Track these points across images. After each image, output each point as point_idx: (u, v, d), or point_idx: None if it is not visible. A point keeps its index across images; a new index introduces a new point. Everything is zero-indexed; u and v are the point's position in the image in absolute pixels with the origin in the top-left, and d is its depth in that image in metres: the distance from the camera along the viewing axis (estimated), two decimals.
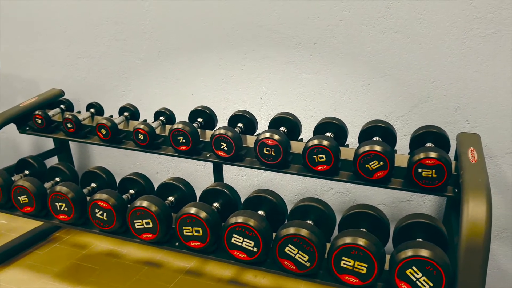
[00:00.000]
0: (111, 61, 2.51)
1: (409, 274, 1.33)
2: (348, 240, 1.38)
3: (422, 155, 1.52)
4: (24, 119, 2.33)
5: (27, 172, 2.20)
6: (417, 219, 1.61)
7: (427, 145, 1.73)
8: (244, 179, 2.43)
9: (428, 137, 1.78)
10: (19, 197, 1.90)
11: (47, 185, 2.04)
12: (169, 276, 2.20)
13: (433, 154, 1.51)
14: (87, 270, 2.26)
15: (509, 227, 1.97)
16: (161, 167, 2.63)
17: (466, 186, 1.40)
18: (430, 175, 1.53)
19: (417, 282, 1.32)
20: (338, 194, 2.24)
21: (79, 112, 2.37)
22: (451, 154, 1.81)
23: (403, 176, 1.65)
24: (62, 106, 2.39)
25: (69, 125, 2.14)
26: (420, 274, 1.31)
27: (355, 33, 1.95)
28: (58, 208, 1.81)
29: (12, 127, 2.33)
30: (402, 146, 1.98)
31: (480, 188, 1.37)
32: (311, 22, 2.00)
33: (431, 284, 1.31)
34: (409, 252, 1.32)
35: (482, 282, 1.29)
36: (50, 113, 2.28)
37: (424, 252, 1.30)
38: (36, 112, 2.22)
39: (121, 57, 2.47)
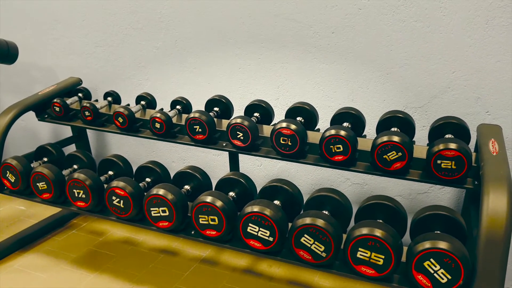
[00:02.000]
0: (128, 50, 2.52)
1: (426, 266, 1.31)
2: (365, 231, 1.36)
3: (441, 146, 1.50)
4: (43, 107, 2.35)
5: (45, 159, 2.22)
6: (435, 211, 1.59)
7: (447, 136, 1.70)
8: (260, 169, 2.42)
9: (448, 128, 1.75)
10: (38, 184, 1.93)
11: (65, 172, 2.06)
12: (185, 264, 2.22)
13: (453, 145, 1.48)
14: (104, 257, 2.29)
15: None
16: (177, 156, 2.64)
17: (486, 178, 1.37)
18: (450, 167, 1.50)
19: (435, 274, 1.31)
20: (355, 185, 2.22)
21: (96, 100, 2.39)
22: (471, 146, 1.77)
23: (421, 168, 1.63)
24: (80, 94, 2.41)
25: (87, 113, 2.15)
26: (438, 267, 1.30)
27: (374, 22, 1.92)
28: (76, 195, 1.83)
29: (31, 115, 2.35)
30: (421, 138, 1.95)
31: (501, 180, 1.35)
32: (329, 11, 1.98)
33: (449, 277, 1.29)
34: (427, 244, 1.30)
35: (502, 275, 1.27)
36: (68, 101, 2.30)
37: (442, 244, 1.28)
38: (55, 100, 2.24)
39: (138, 46, 2.47)
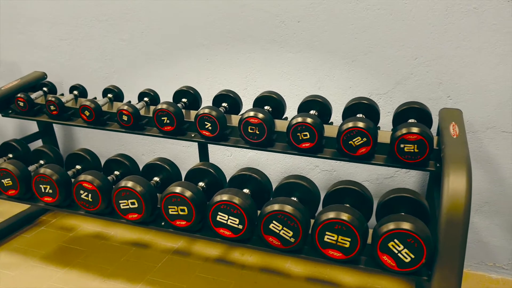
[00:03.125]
0: (94, 43, 2.48)
1: (391, 247, 1.35)
2: (331, 215, 1.39)
3: (404, 131, 1.53)
4: (6, 103, 2.30)
5: (10, 155, 2.18)
6: (399, 193, 1.64)
7: (410, 121, 1.75)
8: (230, 159, 2.43)
9: (411, 113, 1.80)
10: (2, 180, 1.89)
11: (31, 168, 2.03)
12: (157, 256, 2.22)
13: (415, 129, 1.52)
14: (74, 252, 2.26)
15: (490, 201, 2.01)
16: (146, 149, 2.62)
17: (447, 160, 1.42)
18: (412, 150, 1.54)
19: (399, 254, 1.35)
20: (324, 172, 2.26)
21: (62, 94, 2.35)
22: (434, 130, 1.83)
23: (386, 152, 1.66)
24: (45, 88, 2.36)
25: (52, 107, 2.11)
26: (402, 247, 1.34)
27: (338, 10, 1.94)
28: (43, 190, 1.81)
29: None
30: (386, 123, 1.99)
31: (460, 162, 1.40)
32: (294, 0, 1.99)
33: (413, 256, 1.34)
34: (391, 226, 1.34)
35: (462, 253, 1.32)
36: (33, 96, 2.26)
37: (406, 225, 1.32)
38: (19, 95, 2.19)
39: (104, 39, 2.43)
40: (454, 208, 1.31)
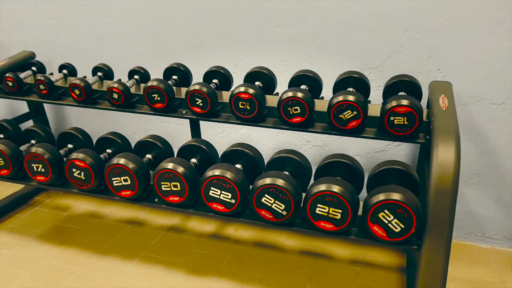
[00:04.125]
0: (82, 21, 2.45)
1: (381, 217, 1.37)
2: (322, 187, 1.41)
3: (394, 103, 1.54)
4: None
5: (1, 136, 2.17)
6: (389, 166, 1.65)
7: (400, 94, 1.75)
8: (222, 136, 2.44)
9: (401, 86, 1.81)
10: None
11: (22, 147, 2.02)
12: (152, 233, 2.24)
13: (404, 102, 1.53)
14: (69, 231, 2.28)
15: (480, 173, 2.04)
16: (138, 128, 2.62)
17: (436, 131, 1.43)
18: (402, 123, 1.56)
19: (389, 224, 1.37)
20: (316, 147, 2.27)
21: (51, 74, 2.33)
22: (424, 103, 1.84)
23: (376, 125, 1.67)
24: (33, 68, 2.34)
25: (41, 86, 2.10)
26: (392, 217, 1.36)
27: None
28: (35, 169, 1.81)
29: None
30: (377, 97, 2.00)
31: (449, 133, 1.41)
32: None
33: (403, 226, 1.36)
34: (381, 196, 1.36)
35: (451, 222, 1.35)
36: (22, 75, 2.23)
37: (395, 196, 1.34)
38: (7, 75, 2.16)
39: (92, 17, 2.40)
40: (442, 178, 1.33)
